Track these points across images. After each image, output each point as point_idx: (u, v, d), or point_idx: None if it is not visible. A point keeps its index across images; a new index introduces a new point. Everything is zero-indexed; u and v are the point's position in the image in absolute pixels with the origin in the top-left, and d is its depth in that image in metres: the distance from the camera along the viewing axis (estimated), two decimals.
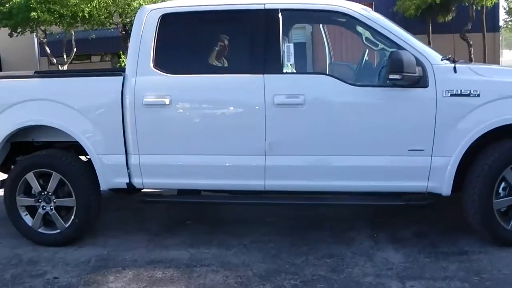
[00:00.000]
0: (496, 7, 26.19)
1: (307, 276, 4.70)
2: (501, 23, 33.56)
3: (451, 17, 25.20)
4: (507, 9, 38.55)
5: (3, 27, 21.72)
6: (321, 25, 6.98)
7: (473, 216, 5.11)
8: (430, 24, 25.32)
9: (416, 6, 23.48)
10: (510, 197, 5.09)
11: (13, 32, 22.17)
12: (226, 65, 5.69)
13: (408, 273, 4.69)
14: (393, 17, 24.05)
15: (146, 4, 18.23)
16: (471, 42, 23.81)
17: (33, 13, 19.75)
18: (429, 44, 24.05)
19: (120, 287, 4.60)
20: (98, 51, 28.23)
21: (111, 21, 21.20)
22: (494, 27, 27.88)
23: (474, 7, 23.76)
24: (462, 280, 4.51)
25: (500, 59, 35.20)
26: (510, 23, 43.50)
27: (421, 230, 5.72)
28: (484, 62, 23.76)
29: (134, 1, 19.01)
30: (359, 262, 4.96)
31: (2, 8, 21.15)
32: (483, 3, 23.52)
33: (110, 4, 19.25)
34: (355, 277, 4.64)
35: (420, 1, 22.99)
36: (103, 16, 20.16)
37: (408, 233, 5.65)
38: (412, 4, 23.46)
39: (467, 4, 23.68)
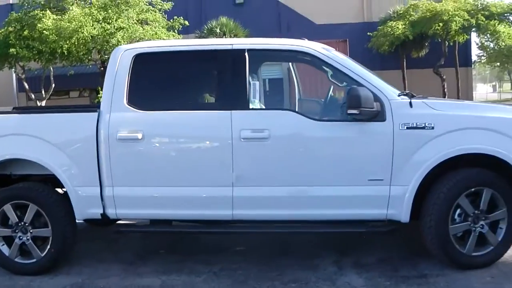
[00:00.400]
0: (468, 42, 26.77)
1: None
2: (474, 58, 34.36)
3: (424, 53, 25.65)
4: (479, 44, 39.42)
5: None
6: (290, 63, 7.30)
7: (431, 242, 5.41)
8: (405, 60, 25.78)
9: (390, 42, 23.88)
10: (465, 223, 5.38)
11: None
12: (196, 101, 5.96)
13: None
14: (368, 53, 24.59)
15: (124, 41, 18.54)
16: (444, 77, 24.28)
17: (12, 49, 19.82)
18: (403, 79, 24.61)
19: None
20: (76, 86, 28.17)
21: (89, 57, 21.27)
22: (467, 61, 28.42)
23: (447, 43, 24.30)
24: None
25: (474, 93, 35.92)
26: (483, 58, 44.42)
27: (385, 256, 6.00)
28: (458, 96, 24.22)
29: (112, 38, 19.13)
30: (322, 286, 5.22)
31: None
32: (455, 39, 24.07)
33: (89, 41, 19.35)
34: None
35: (393, 37, 23.38)
36: (81, 53, 20.24)
37: (372, 259, 5.91)
38: (386, 41, 23.84)
39: (439, 40, 24.21)
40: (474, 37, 29.76)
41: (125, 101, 5.61)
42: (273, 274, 5.56)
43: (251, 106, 5.62)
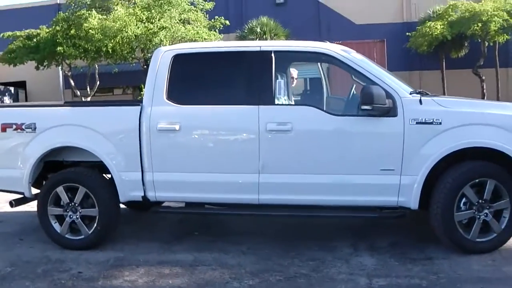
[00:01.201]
0: (508, 43, 26.37)
1: (290, 273, 5.57)
2: None
3: (464, 53, 25.52)
4: None
5: (30, 60, 22.69)
6: (318, 63, 7.87)
7: (438, 227, 5.93)
8: (444, 60, 25.72)
9: (428, 43, 23.91)
10: (470, 211, 5.89)
11: (40, 66, 23.00)
12: (227, 97, 6.49)
13: (377, 273, 5.53)
14: (406, 53, 24.83)
15: (166, 40, 19.27)
16: (483, 77, 24.15)
17: (59, 48, 20.71)
18: (442, 79, 24.66)
19: (133, 280, 5.52)
20: (120, 84, 28.79)
21: (133, 55, 21.96)
22: (507, 62, 28.22)
23: (487, 43, 24.18)
24: (421, 278, 5.34)
25: None
26: None
27: (397, 240, 6.55)
28: (497, 97, 24.17)
29: (155, 38, 19.77)
30: (337, 264, 5.81)
31: (30, 42, 22.14)
32: (495, 39, 23.94)
33: (133, 40, 20.03)
34: (331, 275, 5.50)
35: (431, 37, 23.39)
36: (125, 51, 20.95)
37: (385, 243, 6.47)
38: (424, 41, 23.89)
39: (479, 40, 24.12)
40: None
41: (164, 97, 6.29)
42: (293, 253, 6.17)
43: (276, 101, 6.25)
